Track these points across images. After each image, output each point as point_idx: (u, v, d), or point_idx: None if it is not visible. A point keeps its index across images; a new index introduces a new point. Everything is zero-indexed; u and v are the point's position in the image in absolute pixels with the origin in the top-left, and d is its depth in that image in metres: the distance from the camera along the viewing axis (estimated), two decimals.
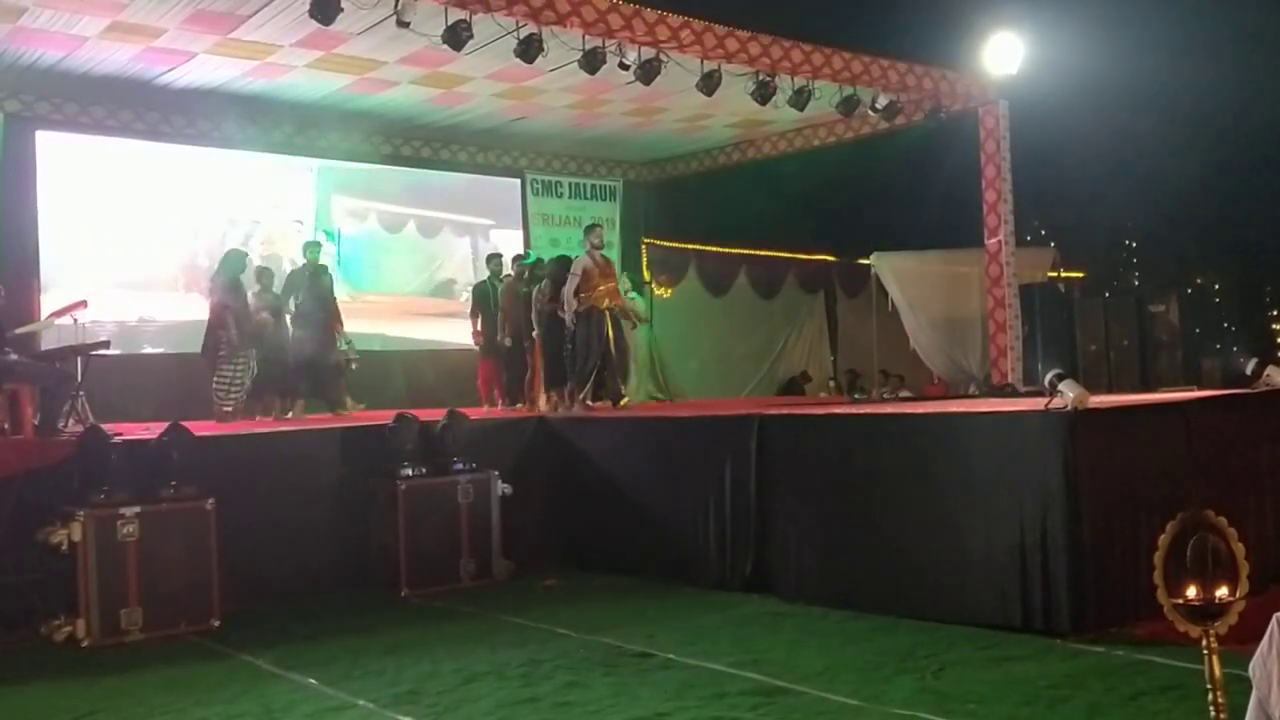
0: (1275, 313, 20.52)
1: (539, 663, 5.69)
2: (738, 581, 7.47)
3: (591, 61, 9.66)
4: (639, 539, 8.21)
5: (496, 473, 8.27)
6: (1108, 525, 5.96)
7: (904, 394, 13.49)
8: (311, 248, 10.74)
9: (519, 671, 5.54)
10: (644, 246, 15.51)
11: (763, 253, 16.67)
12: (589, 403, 10.05)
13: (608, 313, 10.10)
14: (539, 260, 11.48)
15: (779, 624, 6.52)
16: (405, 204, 13.76)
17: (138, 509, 6.64)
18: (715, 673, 5.39)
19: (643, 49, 9.86)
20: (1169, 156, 17.72)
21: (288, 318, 10.30)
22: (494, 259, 11.87)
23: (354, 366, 10.49)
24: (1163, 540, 2.72)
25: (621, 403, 10.19)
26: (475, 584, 7.96)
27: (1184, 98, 16.96)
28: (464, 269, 13.98)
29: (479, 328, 11.37)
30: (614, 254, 13.91)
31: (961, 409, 7.66)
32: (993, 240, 12.35)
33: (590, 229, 10.54)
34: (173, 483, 6.87)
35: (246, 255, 10.53)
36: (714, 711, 4.75)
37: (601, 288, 10.07)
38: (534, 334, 10.69)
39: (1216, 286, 19.22)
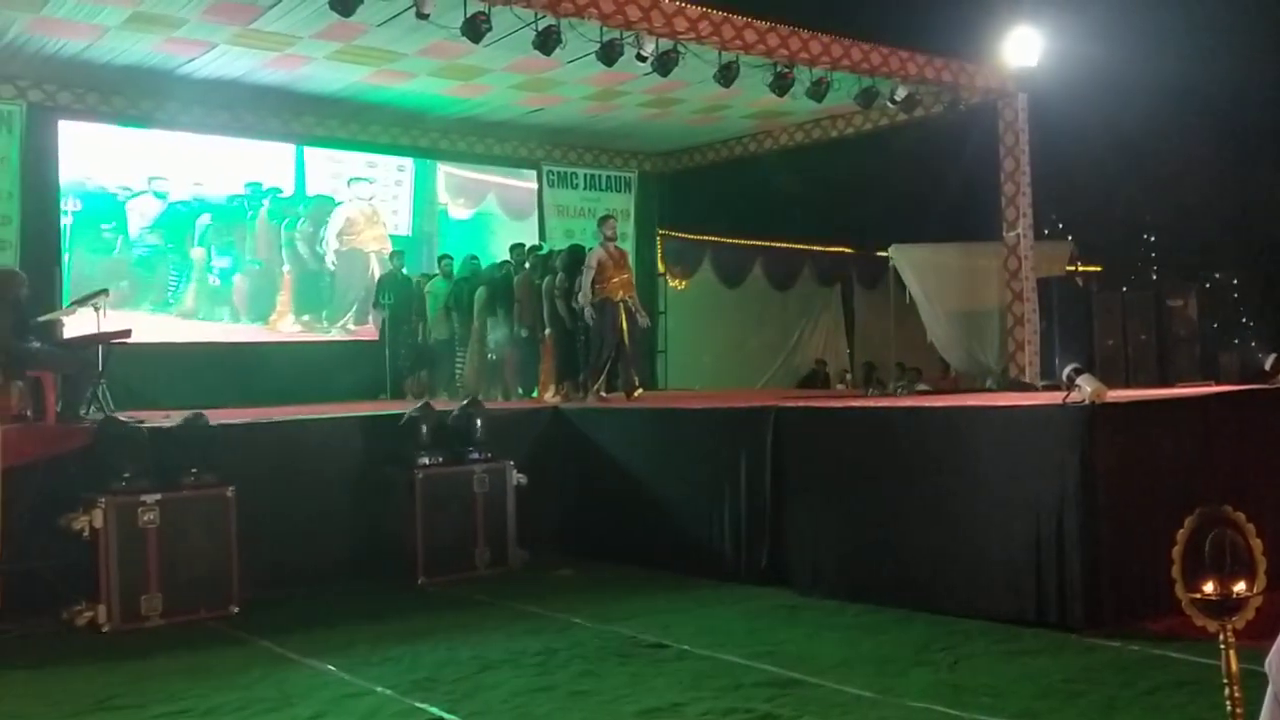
0: None
1: (554, 652, 5.72)
2: (753, 574, 7.49)
3: (609, 53, 9.65)
4: (653, 530, 8.23)
5: (512, 463, 8.31)
6: (1124, 520, 5.95)
7: (921, 387, 13.44)
8: (395, 255, 12.14)
9: (535, 660, 5.58)
10: (659, 238, 15.50)
11: (779, 244, 16.59)
12: (603, 394, 10.07)
13: (622, 304, 10.12)
14: (552, 251, 11.50)
15: (794, 616, 6.53)
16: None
17: (159, 496, 6.71)
18: (730, 664, 5.42)
19: (660, 40, 9.85)
20: (1188, 151, 17.59)
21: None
22: (517, 248, 11.87)
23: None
24: (1180, 535, 2.72)
25: (635, 394, 10.20)
26: (490, 573, 8.00)
27: (1204, 92, 16.82)
28: None
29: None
30: (629, 245, 13.90)
31: (978, 403, 7.64)
32: (1011, 234, 12.30)
33: (603, 220, 10.53)
34: (193, 470, 6.93)
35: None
36: (729, 702, 4.77)
37: (616, 279, 10.06)
38: (546, 332, 10.78)
39: (1235, 281, 19.06)
